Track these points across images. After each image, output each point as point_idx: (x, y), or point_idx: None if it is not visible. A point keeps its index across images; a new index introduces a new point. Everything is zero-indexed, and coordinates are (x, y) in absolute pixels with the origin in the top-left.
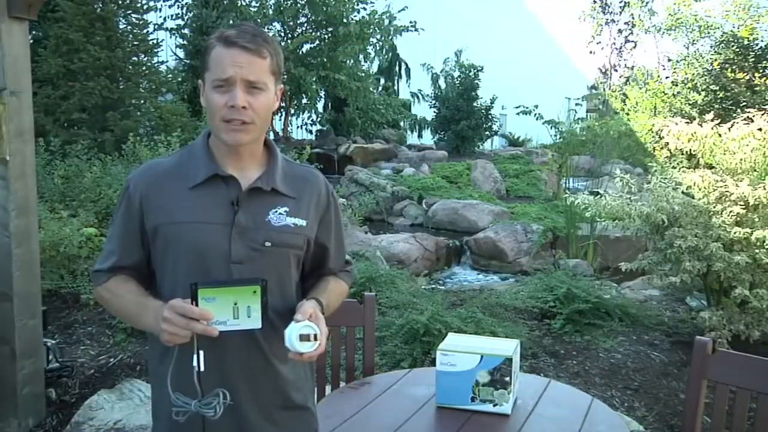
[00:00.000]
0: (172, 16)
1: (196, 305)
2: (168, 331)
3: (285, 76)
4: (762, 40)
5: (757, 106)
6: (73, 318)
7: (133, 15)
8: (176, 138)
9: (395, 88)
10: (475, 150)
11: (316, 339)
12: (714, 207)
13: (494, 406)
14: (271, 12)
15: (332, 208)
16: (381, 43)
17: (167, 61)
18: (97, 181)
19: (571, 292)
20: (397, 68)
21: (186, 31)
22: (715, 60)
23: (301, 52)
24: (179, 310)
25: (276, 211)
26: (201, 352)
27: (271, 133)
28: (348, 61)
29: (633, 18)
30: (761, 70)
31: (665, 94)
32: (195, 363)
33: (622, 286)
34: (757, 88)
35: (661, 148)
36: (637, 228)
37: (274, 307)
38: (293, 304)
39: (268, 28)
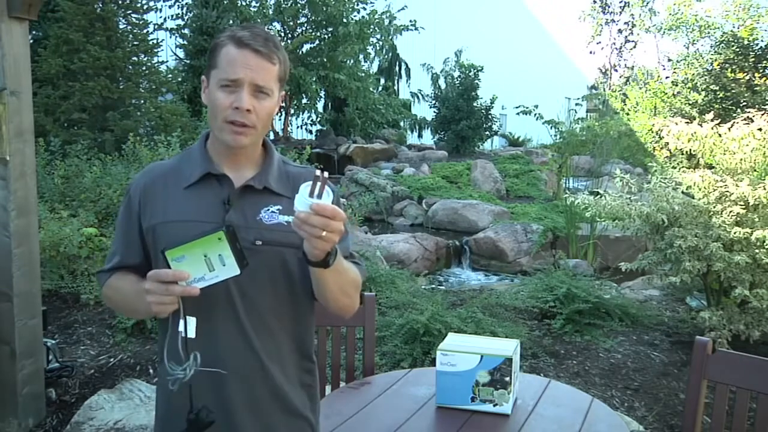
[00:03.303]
0: (172, 16)
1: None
2: (153, 301)
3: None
4: (762, 40)
5: (757, 106)
6: (73, 318)
7: (133, 15)
8: (176, 138)
9: (395, 88)
10: (475, 150)
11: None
12: (714, 207)
13: (494, 406)
14: (271, 12)
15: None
16: (381, 43)
17: (167, 61)
18: (97, 181)
19: (571, 292)
20: (397, 68)
21: (186, 31)
22: (715, 60)
23: (301, 52)
24: (155, 277)
25: (268, 210)
26: (190, 319)
27: (271, 134)
28: (348, 61)
29: (633, 18)
30: (761, 70)
31: (665, 94)
32: (181, 328)
33: (622, 286)
34: (757, 88)
35: (661, 148)
36: (637, 228)
37: (271, 309)
38: (298, 309)
39: (268, 28)
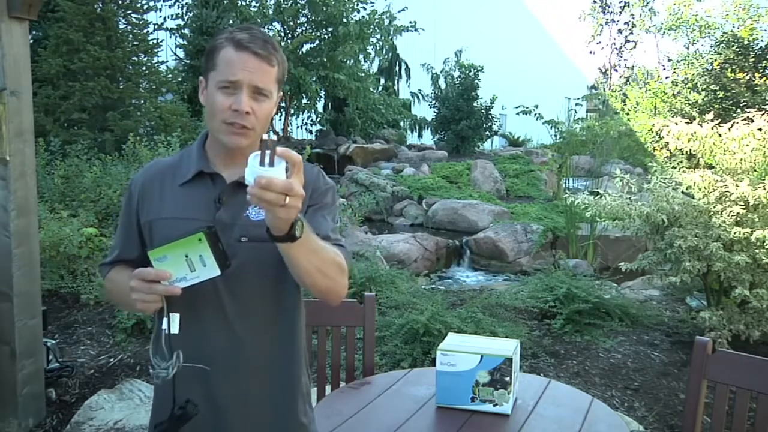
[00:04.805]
0: (172, 16)
1: None
2: (137, 299)
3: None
4: (762, 40)
5: (757, 106)
6: (73, 318)
7: (133, 15)
8: (176, 138)
9: (395, 88)
10: (475, 150)
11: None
12: (714, 207)
13: (494, 406)
14: (271, 12)
15: (320, 193)
16: (381, 43)
17: (167, 61)
18: (97, 181)
19: (571, 292)
20: (397, 68)
21: (186, 31)
22: (715, 60)
23: (301, 52)
24: (139, 275)
25: (256, 205)
26: (173, 315)
27: (272, 134)
28: (348, 61)
29: (633, 18)
30: (761, 70)
31: (665, 94)
32: (165, 326)
33: (622, 286)
34: (757, 88)
35: (661, 148)
36: (637, 228)
37: (258, 305)
38: (287, 305)
39: (268, 28)
